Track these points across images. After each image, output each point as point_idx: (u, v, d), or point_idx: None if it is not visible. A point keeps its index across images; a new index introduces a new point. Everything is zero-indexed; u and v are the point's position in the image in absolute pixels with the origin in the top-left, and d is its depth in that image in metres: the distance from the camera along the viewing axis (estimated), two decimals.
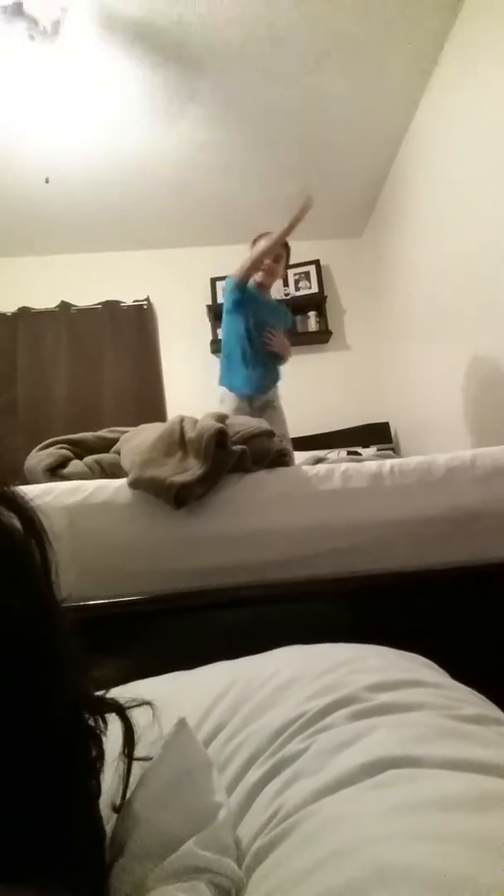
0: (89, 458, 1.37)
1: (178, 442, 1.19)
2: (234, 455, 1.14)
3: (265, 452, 1.22)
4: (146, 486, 1.09)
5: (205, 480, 1.08)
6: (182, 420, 1.26)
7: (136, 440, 1.30)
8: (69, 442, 1.44)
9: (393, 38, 2.24)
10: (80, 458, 1.39)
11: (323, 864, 0.28)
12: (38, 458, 1.35)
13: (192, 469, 1.08)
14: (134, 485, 1.11)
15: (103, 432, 1.52)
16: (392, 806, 0.30)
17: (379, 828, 0.29)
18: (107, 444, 1.45)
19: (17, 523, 0.29)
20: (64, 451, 1.39)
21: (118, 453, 1.35)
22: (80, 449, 1.43)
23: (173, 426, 1.24)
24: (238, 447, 1.17)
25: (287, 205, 2.30)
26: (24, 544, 0.29)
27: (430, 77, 2.46)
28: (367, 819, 0.30)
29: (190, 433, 1.18)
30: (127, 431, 1.44)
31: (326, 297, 3.69)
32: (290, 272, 3.73)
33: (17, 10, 1.83)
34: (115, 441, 1.43)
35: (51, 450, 1.39)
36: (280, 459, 1.25)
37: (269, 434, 1.28)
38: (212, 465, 1.09)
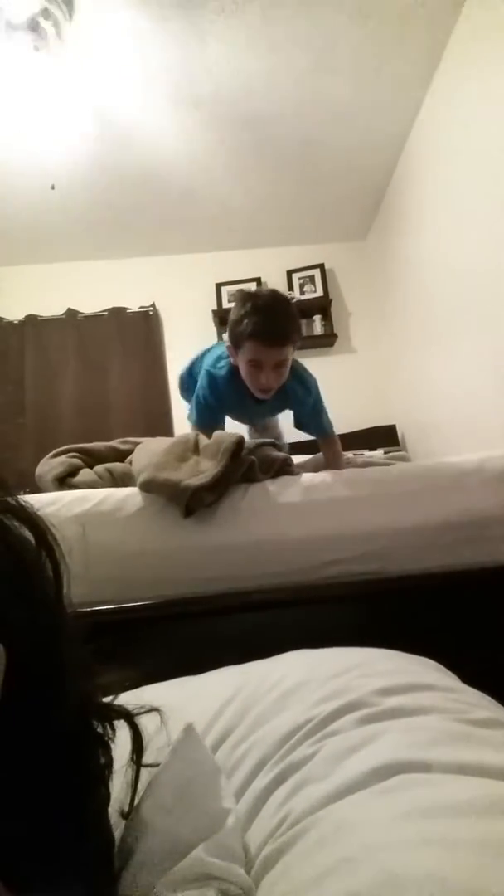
0: (100, 467, 1.37)
1: (193, 448, 1.20)
2: (245, 463, 1.15)
3: (271, 462, 1.22)
4: (159, 489, 1.09)
5: (217, 485, 1.08)
6: (197, 433, 1.28)
7: (150, 446, 1.31)
8: (81, 451, 1.44)
9: (395, 39, 2.24)
10: (91, 467, 1.39)
11: (332, 870, 0.27)
12: (49, 466, 1.35)
13: (207, 471, 1.08)
14: (146, 486, 1.10)
15: (115, 442, 1.51)
16: (401, 812, 0.30)
17: (388, 834, 0.28)
18: (119, 455, 1.45)
19: (29, 535, 0.29)
20: (75, 461, 1.39)
21: (131, 464, 1.35)
22: (92, 458, 1.43)
23: (188, 436, 1.26)
24: (248, 457, 1.17)
25: (290, 209, 2.28)
26: (36, 557, 0.29)
27: (432, 78, 2.46)
28: (377, 825, 0.30)
29: (205, 441, 1.20)
30: (140, 442, 1.44)
31: (331, 300, 3.69)
32: (295, 276, 3.74)
33: (22, 24, 1.86)
34: (128, 452, 1.43)
35: (62, 458, 1.39)
36: (285, 469, 1.25)
37: (274, 443, 1.28)
38: (226, 468, 1.09)
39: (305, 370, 1.68)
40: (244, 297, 1.43)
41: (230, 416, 1.75)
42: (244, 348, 1.40)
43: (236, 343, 1.43)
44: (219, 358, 1.63)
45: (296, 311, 1.46)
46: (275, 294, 1.45)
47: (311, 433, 1.76)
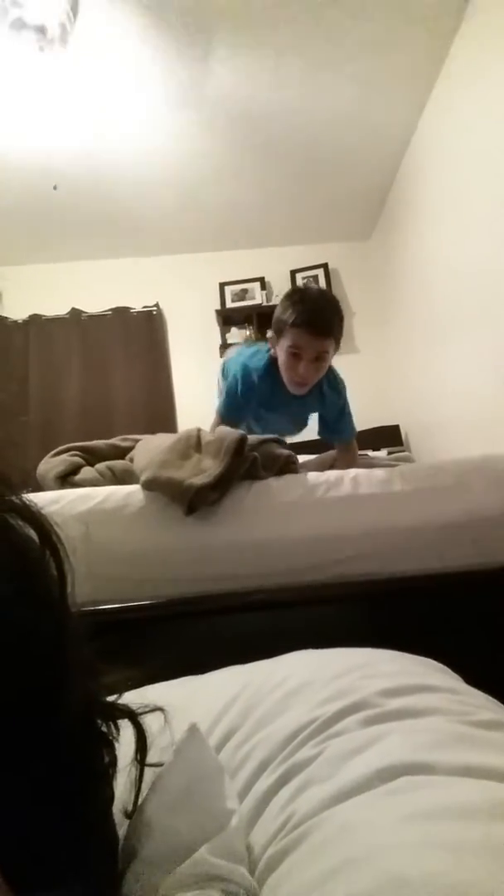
0: (101, 465, 1.37)
1: (195, 446, 1.20)
2: (247, 461, 1.14)
3: (274, 459, 1.22)
4: (161, 487, 1.09)
5: (220, 484, 1.08)
6: (199, 429, 1.28)
7: (152, 444, 1.31)
8: (81, 449, 1.45)
9: (399, 38, 2.24)
10: (92, 465, 1.39)
11: (336, 872, 0.27)
12: (51, 464, 1.35)
13: (210, 470, 1.08)
14: (149, 485, 1.10)
15: (116, 440, 1.52)
16: (406, 814, 0.30)
17: (392, 836, 0.28)
18: (119, 452, 1.45)
19: (33, 534, 0.29)
20: (76, 459, 1.39)
21: (132, 461, 1.35)
22: (93, 456, 1.43)
23: (189, 433, 1.25)
24: (250, 454, 1.17)
25: (294, 209, 2.28)
26: (40, 556, 0.29)
27: (436, 77, 2.45)
28: (381, 827, 0.29)
29: (207, 438, 1.19)
30: (140, 440, 1.44)
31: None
32: (299, 275, 3.74)
33: (26, 23, 1.86)
34: (128, 449, 1.44)
35: (63, 457, 1.39)
36: (288, 467, 1.25)
37: (278, 441, 1.28)
38: (228, 466, 1.09)
39: (337, 373, 1.69)
40: (294, 290, 1.47)
41: (254, 421, 1.72)
42: (286, 335, 1.41)
43: (279, 330, 1.44)
44: (257, 351, 1.63)
45: (342, 313, 1.47)
46: (324, 292, 1.51)
47: (333, 439, 1.75)
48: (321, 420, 1.75)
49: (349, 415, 1.73)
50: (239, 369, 1.59)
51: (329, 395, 1.63)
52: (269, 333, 1.52)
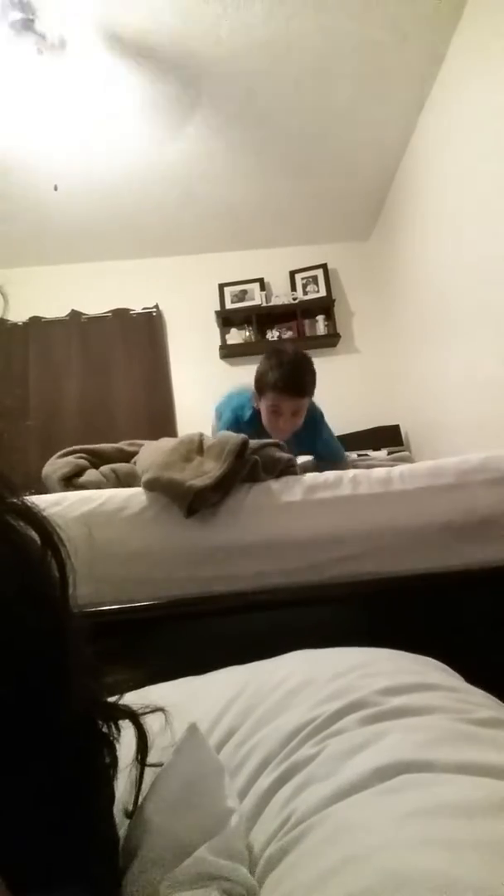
0: (105, 467, 1.38)
1: (197, 449, 1.21)
2: (249, 463, 1.15)
3: (275, 462, 1.22)
4: (163, 488, 1.09)
5: (220, 485, 1.08)
6: (201, 434, 1.30)
7: (155, 447, 1.32)
8: (87, 451, 1.45)
9: (397, 40, 2.24)
10: (97, 468, 1.40)
11: (336, 870, 0.27)
12: (55, 466, 1.36)
13: (211, 472, 1.09)
14: (150, 485, 1.11)
15: (122, 444, 1.53)
16: (405, 812, 0.30)
17: (392, 834, 0.28)
18: (125, 457, 1.46)
19: (35, 535, 0.29)
20: (81, 461, 1.40)
21: (136, 464, 1.35)
22: (98, 459, 1.44)
23: (192, 436, 1.27)
24: (252, 456, 1.17)
25: (293, 209, 2.29)
26: (41, 557, 0.29)
27: (435, 78, 2.46)
28: (381, 825, 0.30)
29: (210, 442, 1.20)
30: (146, 444, 1.45)
31: (335, 300, 3.69)
32: (298, 276, 3.74)
33: (26, 25, 1.87)
34: (134, 454, 1.45)
35: (68, 458, 1.40)
36: (288, 470, 1.25)
37: (278, 444, 1.29)
38: (230, 469, 1.09)
39: (314, 407, 1.87)
40: (271, 352, 1.70)
41: None
42: (267, 395, 1.66)
43: (260, 390, 1.69)
44: (242, 406, 1.86)
45: (314, 369, 1.68)
46: (297, 352, 1.70)
47: (328, 460, 1.91)
48: (315, 450, 1.95)
49: (329, 439, 1.93)
50: (230, 419, 1.84)
51: (303, 434, 1.81)
52: (252, 390, 1.75)
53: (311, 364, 1.68)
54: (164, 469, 1.11)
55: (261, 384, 1.68)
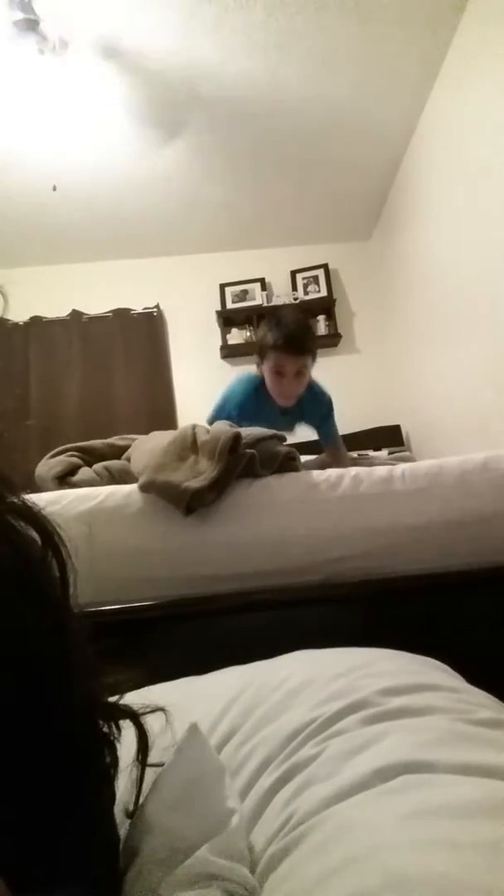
0: (98, 465, 1.38)
1: (191, 446, 1.19)
2: (244, 458, 1.14)
3: (273, 456, 1.22)
4: (158, 490, 1.09)
5: (217, 485, 1.08)
6: (194, 427, 1.27)
7: (148, 445, 1.31)
8: (79, 449, 1.45)
9: (399, 37, 2.24)
10: (90, 465, 1.40)
11: (337, 871, 0.27)
12: (48, 465, 1.36)
13: (206, 472, 1.08)
14: (146, 488, 1.10)
15: (114, 439, 1.52)
16: (406, 812, 0.30)
17: (393, 834, 0.28)
18: (117, 452, 1.45)
19: (35, 535, 0.29)
20: (73, 459, 1.39)
21: (129, 460, 1.35)
22: (90, 456, 1.44)
23: (185, 432, 1.25)
24: (247, 451, 1.16)
25: (293, 209, 2.29)
26: (42, 557, 0.29)
27: (436, 77, 2.46)
28: (381, 825, 0.29)
29: (203, 437, 1.19)
30: (137, 438, 1.45)
31: (335, 300, 3.69)
32: (299, 276, 3.74)
33: (29, 26, 1.87)
34: (125, 448, 1.44)
35: (60, 457, 1.40)
36: (288, 463, 1.24)
37: (278, 437, 1.28)
38: (224, 468, 1.09)
39: (323, 390, 1.92)
40: (270, 316, 1.72)
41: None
42: (269, 357, 1.67)
43: (262, 353, 1.70)
44: (247, 378, 1.85)
45: (313, 330, 1.76)
46: (297, 314, 1.74)
47: (330, 445, 1.99)
48: (315, 427, 1.99)
49: (335, 427, 1.99)
50: (230, 391, 1.84)
51: (308, 408, 1.86)
52: (256, 358, 1.76)
53: (310, 325, 1.71)
54: (158, 471, 1.11)
55: (262, 346, 1.70)
